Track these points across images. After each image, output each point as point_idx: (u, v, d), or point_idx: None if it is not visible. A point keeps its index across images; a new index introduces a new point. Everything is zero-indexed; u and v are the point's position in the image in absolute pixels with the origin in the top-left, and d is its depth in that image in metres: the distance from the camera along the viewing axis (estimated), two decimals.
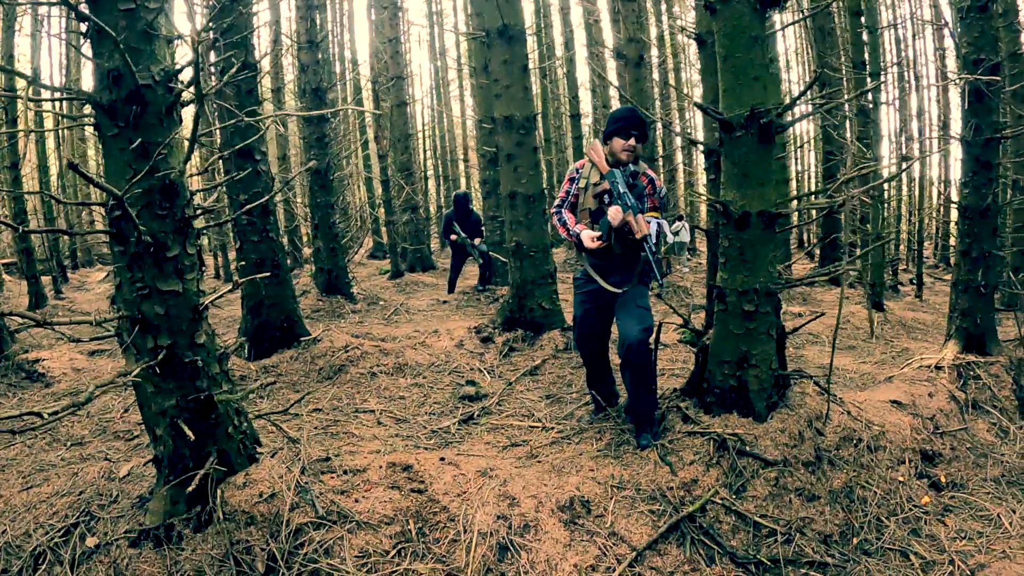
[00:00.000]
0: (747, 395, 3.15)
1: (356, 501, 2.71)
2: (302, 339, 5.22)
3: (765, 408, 3.13)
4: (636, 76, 8.42)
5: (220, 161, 4.93)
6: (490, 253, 9.16)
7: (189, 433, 2.49)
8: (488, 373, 5.18)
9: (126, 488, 3.02)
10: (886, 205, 11.56)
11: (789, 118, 2.87)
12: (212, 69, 4.84)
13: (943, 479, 3.34)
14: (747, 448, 2.98)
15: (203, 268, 2.80)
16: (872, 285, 7.99)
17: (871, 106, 8.82)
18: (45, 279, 10.29)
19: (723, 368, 3.21)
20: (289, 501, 2.61)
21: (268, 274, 4.86)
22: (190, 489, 2.48)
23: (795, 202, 4.19)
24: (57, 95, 2.77)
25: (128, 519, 2.71)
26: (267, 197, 3.18)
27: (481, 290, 9.15)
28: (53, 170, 15.88)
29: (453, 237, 9.16)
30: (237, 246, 5.04)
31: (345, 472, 2.90)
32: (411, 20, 19.65)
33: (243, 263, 5.02)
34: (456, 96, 21.10)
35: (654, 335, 3.87)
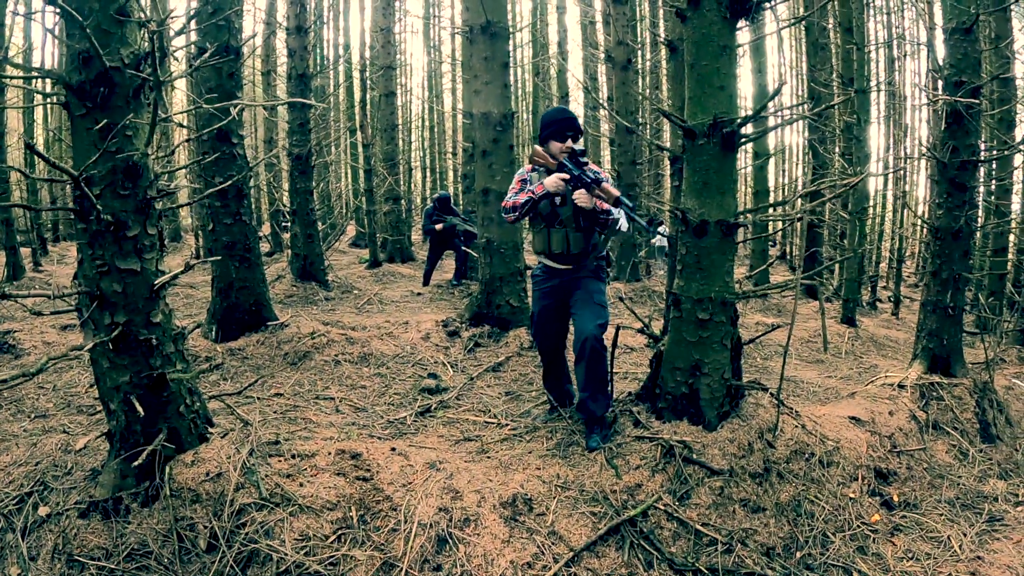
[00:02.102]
0: (698, 403, 3.19)
1: (301, 485, 2.73)
2: (270, 323, 5.21)
3: (716, 417, 3.18)
4: (623, 79, 8.45)
5: (198, 143, 4.90)
6: (466, 248, 9.19)
7: (140, 409, 2.51)
8: (451, 367, 5.21)
9: (81, 460, 3.05)
10: (870, 222, 11.71)
11: (757, 128, 2.90)
12: (193, 50, 4.82)
13: (896, 498, 3.34)
14: (694, 456, 3.02)
15: (164, 249, 2.80)
16: (846, 301, 8.09)
17: (856, 122, 8.92)
18: (25, 251, 10.19)
19: (676, 375, 3.25)
20: (234, 481, 2.63)
21: (219, 257, 4.83)
22: (137, 463, 2.50)
23: (756, 213, 4.23)
24: (33, 74, 2.76)
25: (80, 490, 2.75)
26: (236, 178, 3.18)
27: (456, 284, 9.17)
28: (40, 143, 15.71)
29: (439, 226, 9.18)
30: (210, 228, 5.01)
31: (293, 456, 2.91)
32: (408, 10, 19.60)
33: (214, 245, 4.99)
34: (448, 89, 21.03)
35: (611, 337, 3.92)
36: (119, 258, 2.51)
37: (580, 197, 3.25)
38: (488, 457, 3.41)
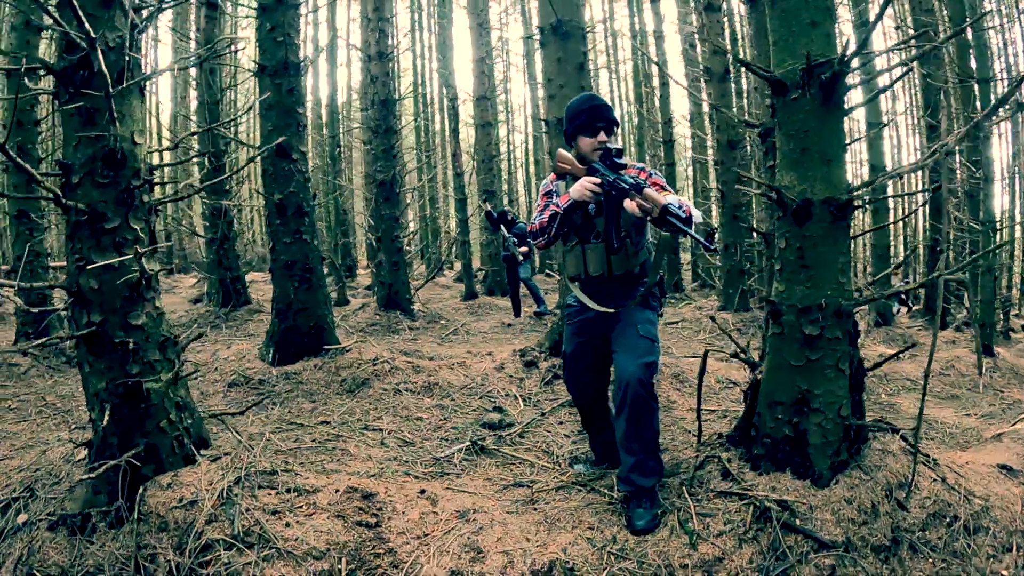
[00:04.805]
0: (805, 449, 2.39)
1: (287, 525, 2.26)
2: (330, 348, 4.93)
3: (829, 469, 2.36)
4: (721, 91, 7.73)
5: (260, 160, 4.83)
6: (524, 280, 8.87)
7: (106, 417, 2.20)
8: (523, 400, 4.62)
9: (74, 471, 2.83)
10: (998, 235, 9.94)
11: (854, 77, 2.15)
12: (253, 67, 4.78)
13: None
14: (796, 521, 2.24)
15: (155, 246, 2.52)
16: (982, 326, 6.65)
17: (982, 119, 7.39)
18: None
19: (776, 411, 2.47)
20: (207, 511, 2.22)
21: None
22: (92, 475, 2.20)
23: (872, 186, 3.27)
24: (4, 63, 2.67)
25: (58, 502, 2.53)
26: (226, 201, 2.88)
27: (543, 313, 8.62)
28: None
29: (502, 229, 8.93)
30: (270, 247, 4.88)
31: (289, 490, 2.46)
32: (510, 49, 19.92)
33: (274, 264, 4.84)
34: None
35: (699, 366, 3.17)
36: (95, 252, 2.25)
37: (631, 207, 2.45)
38: (535, 508, 2.78)
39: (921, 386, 5.37)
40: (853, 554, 2.14)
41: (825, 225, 2.21)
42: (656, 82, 13.67)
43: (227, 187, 7.69)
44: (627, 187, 2.48)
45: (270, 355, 4.79)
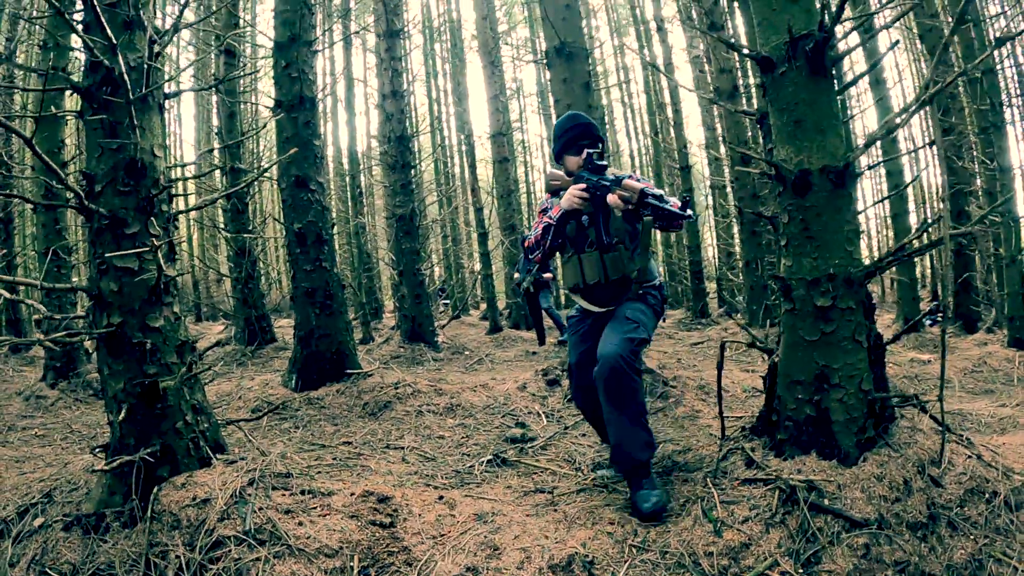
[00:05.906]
0: (829, 428, 2.32)
1: (300, 524, 2.25)
2: (352, 372, 4.96)
3: (855, 447, 2.28)
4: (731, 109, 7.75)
5: (280, 191, 4.98)
6: (545, 309, 8.89)
7: (122, 414, 2.25)
8: (546, 417, 4.56)
9: (92, 479, 2.86)
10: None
11: (842, 45, 2.15)
12: (270, 103, 4.99)
13: None
14: (825, 501, 2.15)
15: (174, 256, 2.62)
16: (1011, 319, 6.36)
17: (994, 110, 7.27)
18: None
19: (796, 391, 2.41)
20: (219, 509, 2.22)
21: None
22: (108, 469, 2.23)
23: (866, 155, 3.25)
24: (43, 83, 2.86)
25: (74, 504, 2.56)
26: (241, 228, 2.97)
27: (564, 342, 8.57)
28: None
29: (516, 275, 8.98)
30: (291, 275, 4.98)
31: (304, 492, 2.46)
32: (525, 90, 20.43)
33: (295, 292, 4.93)
34: None
35: (717, 357, 3.11)
36: (116, 256, 2.34)
37: (613, 200, 2.60)
38: (555, 510, 2.72)
39: (956, 383, 5.25)
40: (887, 531, 2.04)
41: (826, 194, 2.20)
42: (670, 111, 13.89)
43: (251, 226, 7.93)
44: (608, 184, 2.63)
45: (293, 381, 4.83)
